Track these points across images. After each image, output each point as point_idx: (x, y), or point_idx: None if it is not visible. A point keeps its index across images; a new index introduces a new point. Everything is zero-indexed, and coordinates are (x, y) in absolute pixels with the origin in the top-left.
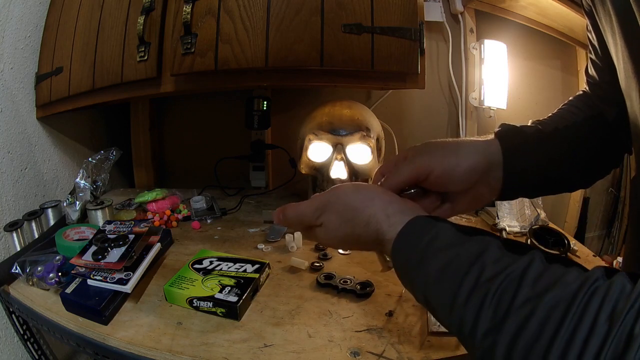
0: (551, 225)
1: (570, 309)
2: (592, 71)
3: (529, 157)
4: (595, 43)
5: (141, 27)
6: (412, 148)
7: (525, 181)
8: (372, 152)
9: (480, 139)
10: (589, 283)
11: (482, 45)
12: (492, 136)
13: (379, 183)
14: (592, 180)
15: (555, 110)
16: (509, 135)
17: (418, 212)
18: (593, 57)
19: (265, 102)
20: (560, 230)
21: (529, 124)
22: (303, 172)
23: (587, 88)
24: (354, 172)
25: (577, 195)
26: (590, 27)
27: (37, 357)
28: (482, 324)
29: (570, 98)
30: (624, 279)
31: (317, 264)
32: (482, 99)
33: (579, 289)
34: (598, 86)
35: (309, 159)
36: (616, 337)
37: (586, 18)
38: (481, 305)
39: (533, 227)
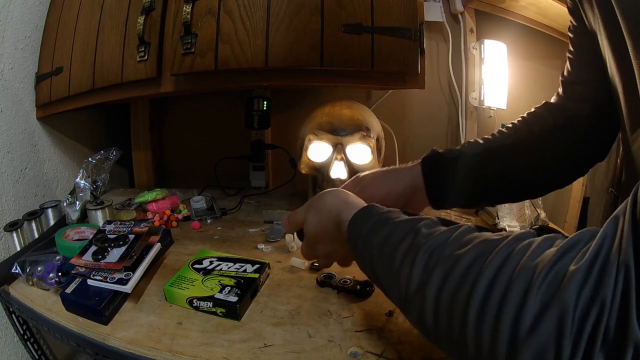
0: (551, 225)
1: (494, 257)
2: (569, 71)
3: (446, 178)
4: (576, 41)
5: (141, 27)
6: (357, 180)
7: (450, 196)
8: (372, 152)
9: (408, 166)
10: (515, 237)
11: (482, 45)
12: (418, 162)
13: None
14: (547, 190)
15: (517, 119)
16: (430, 160)
17: (367, 205)
18: (572, 57)
19: (265, 102)
20: (560, 230)
21: (456, 148)
22: (303, 172)
23: (561, 92)
24: (354, 172)
25: (577, 195)
26: (572, 27)
27: (37, 357)
28: (413, 281)
29: (534, 109)
30: (554, 235)
31: (317, 264)
32: (482, 99)
33: (504, 240)
34: (574, 86)
35: (309, 159)
36: (546, 279)
37: (570, 16)
38: (412, 263)
39: (533, 227)
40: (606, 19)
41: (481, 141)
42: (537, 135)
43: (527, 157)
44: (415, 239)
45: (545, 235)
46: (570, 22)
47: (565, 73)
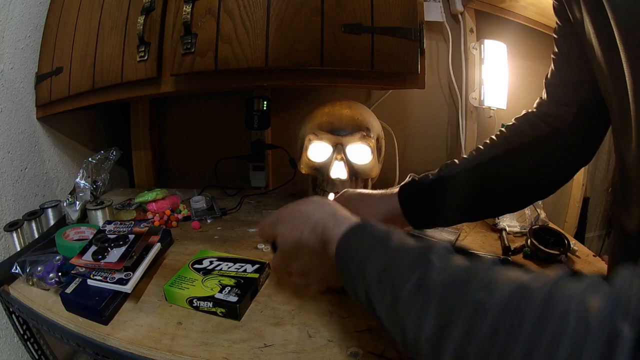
0: (551, 225)
1: (529, 309)
2: (553, 74)
3: (426, 204)
4: (561, 43)
5: (141, 27)
6: (347, 196)
7: (429, 219)
8: (372, 152)
9: (389, 192)
10: (552, 281)
11: (482, 45)
12: (396, 190)
13: None
14: (527, 202)
15: (495, 134)
16: (406, 188)
17: (359, 220)
18: (557, 58)
19: (265, 102)
20: (560, 230)
21: (433, 172)
22: (303, 172)
23: (544, 96)
24: (354, 172)
25: (577, 195)
26: (557, 28)
27: (37, 357)
28: (425, 330)
29: (513, 121)
30: (596, 276)
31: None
32: (482, 99)
33: (538, 283)
34: (559, 88)
35: (309, 159)
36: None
37: (555, 17)
38: (423, 307)
39: (533, 227)
40: (594, 17)
41: (457, 162)
42: (516, 149)
43: (506, 172)
44: (426, 274)
45: (586, 279)
46: (556, 23)
47: (549, 75)
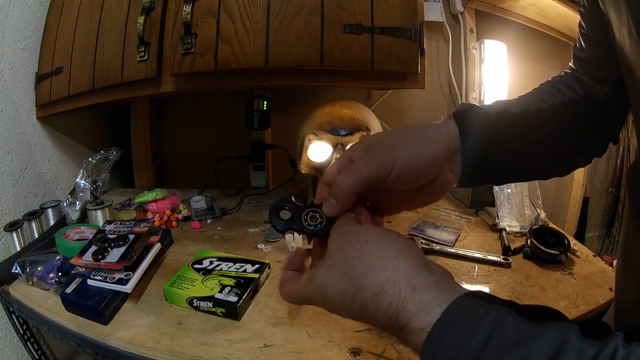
0: (551, 225)
1: None
2: (582, 45)
3: (490, 139)
4: (588, 15)
5: (141, 27)
6: (362, 143)
7: (486, 166)
8: None
9: (438, 122)
10: None
11: (482, 45)
12: (447, 118)
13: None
14: (570, 169)
15: (536, 87)
16: (467, 115)
17: (454, 285)
18: (584, 31)
19: (265, 102)
20: (560, 230)
21: (494, 103)
22: (303, 172)
23: (574, 65)
24: None
25: (577, 195)
26: (584, 2)
27: (37, 357)
28: None
29: (553, 78)
30: None
31: None
32: (482, 99)
33: None
34: (588, 62)
35: (309, 159)
36: None
37: None
38: None
39: (533, 227)
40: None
41: (517, 100)
42: (569, 103)
43: (562, 125)
44: None
45: None
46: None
47: (577, 45)
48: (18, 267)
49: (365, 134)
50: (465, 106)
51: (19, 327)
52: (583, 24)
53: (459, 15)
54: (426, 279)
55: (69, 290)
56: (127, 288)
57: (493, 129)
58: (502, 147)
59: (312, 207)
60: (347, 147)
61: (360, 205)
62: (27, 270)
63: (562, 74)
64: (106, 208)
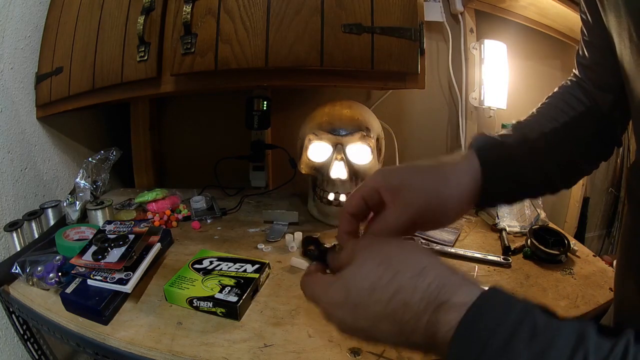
0: (551, 225)
1: None
2: (584, 53)
3: (512, 169)
4: (591, 22)
5: (141, 27)
6: (379, 178)
7: (506, 192)
8: (372, 152)
9: (460, 160)
10: None
11: (482, 45)
12: (468, 152)
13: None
14: (578, 178)
15: (544, 102)
16: (489, 150)
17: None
18: (587, 38)
19: (265, 102)
20: (560, 230)
21: (507, 132)
22: (303, 172)
23: (578, 73)
24: (354, 172)
25: (577, 195)
26: (585, 7)
27: (37, 357)
28: None
29: (559, 89)
30: None
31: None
32: (482, 99)
33: None
34: (591, 69)
35: (309, 159)
36: None
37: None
38: None
39: (533, 227)
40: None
41: (529, 121)
42: (572, 120)
43: (566, 142)
44: None
45: None
46: (581, 4)
47: (580, 53)
48: (18, 267)
49: (365, 134)
50: (486, 140)
51: (19, 327)
52: (585, 30)
53: (459, 15)
54: (461, 275)
55: (69, 290)
56: (127, 288)
57: (513, 162)
58: (520, 176)
59: (337, 247)
60: (347, 148)
61: None
62: (27, 270)
63: (568, 83)
64: (106, 208)
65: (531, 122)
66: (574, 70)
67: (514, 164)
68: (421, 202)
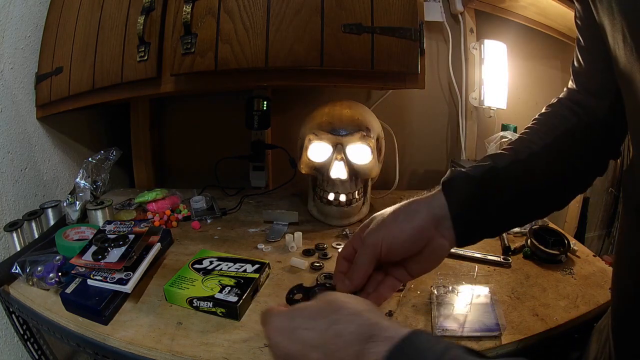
0: (551, 225)
1: None
2: (580, 62)
3: (479, 202)
4: (586, 29)
5: (141, 27)
6: (362, 227)
7: (483, 225)
8: (372, 152)
9: (427, 194)
10: None
11: (482, 45)
12: (435, 189)
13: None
14: (570, 198)
15: (528, 126)
16: (454, 183)
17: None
18: (583, 44)
19: (265, 102)
20: (560, 230)
21: (481, 163)
22: (303, 172)
23: (574, 85)
24: (354, 172)
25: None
26: (580, 13)
27: (37, 357)
28: None
29: (546, 109)
30: None
31: (317, 264)
32: (482, 99)
33: None
34: (587, 77)
35: (309, 159)
36: None
37: (575, 3)
38: None
39: (533, 227)
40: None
41: (506, 152)
42: (563, 136)
43: (556, 162)
44: None
45: None
46: (576, 9)
47: (575, 63)
48: (18, 267)
49: (365, 134)
50: (452, 173)
51: (19, 327)
52: (580, 36)
53: (459, 15)
54: (391, 321)
55: (69, 290)
56: (127, 288)
57: (478, 188)
58: (492, 202)
59: (318, 286)
60: (347, 148)
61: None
62: (27, 270)
63: (555, 101)
64: (106, 208)
65: (508, 150)
66: (567, 87)
67: (482, 191)
68: (377, 236)
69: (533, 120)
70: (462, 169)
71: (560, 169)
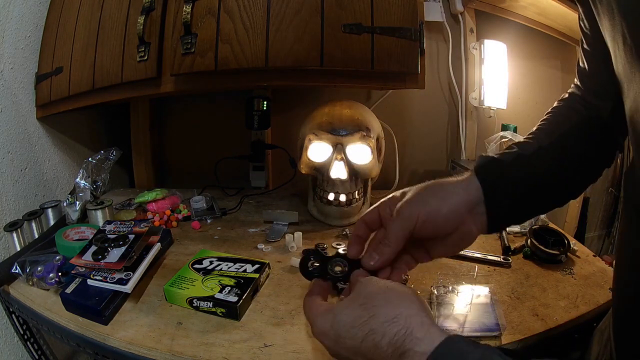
0: (551, 225)
1: None
2: (584, 63)
3: (511, 187)
4: (589, 31)
5: (141, 27)
6: (392, 198)
7: (512, 210)
8: (372, 152)
9: (460, 178)
10: None
11: (482, 45)
12: (468, 174)
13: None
14: (584, 188)
15: (543, 118)
16: (487, 168)
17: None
18: (586, 47)
19: (265, 102)
20: (560, 230)
21: (509, 150)
22: (303, 172)
23: (579, 83)
24: (354, 172)
25: None
26: (583, 15)
27: (37, 357)
28: None
29: (558, 103)
30: None
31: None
32: (482, 99)
33: None
34: (591, 78)
35: (309, 159)
36: None
37: (578, 6)
38: None
39: (533, 227)
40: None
41: (530, 140)
42: (570, 135)
43: (574, 150)
44: None
45: None
46: (579, 11)
47: (580, 63)
48: (18, 267)
49: (365, 134)
50: (483, 159)
51: (19, 327)
52: (583, 38)
53: (459, 15)
54: (430, 320)
55: (69, 290)
56: (127, 288)
57: (509, 174)
58: (521, 188)
59: (337, 257)
60: (347, 148)
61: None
62: (27, 270)
63: (566, 96)
64: (106, 208)
65: (530, 139)
66: (574, 82)
67: (516, 179)
68: (413, 209)
69: (548, 113)
70: (494, 155)
71: (577, 158)
